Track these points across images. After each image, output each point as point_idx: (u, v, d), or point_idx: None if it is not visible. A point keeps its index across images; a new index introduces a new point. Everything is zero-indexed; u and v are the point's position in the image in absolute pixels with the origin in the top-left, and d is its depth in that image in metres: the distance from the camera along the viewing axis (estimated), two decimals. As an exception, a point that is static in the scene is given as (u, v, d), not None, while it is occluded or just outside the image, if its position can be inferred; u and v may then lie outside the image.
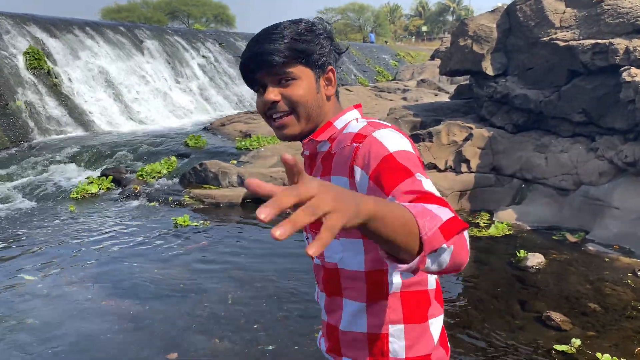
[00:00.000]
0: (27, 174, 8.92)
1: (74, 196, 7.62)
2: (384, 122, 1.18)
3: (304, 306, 4.09)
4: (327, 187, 0.73)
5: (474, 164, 6.61)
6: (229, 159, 8.74)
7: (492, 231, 5.70)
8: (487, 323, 3.76)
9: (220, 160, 8.23)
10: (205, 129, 12.59)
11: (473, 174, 6.57)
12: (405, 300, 1.19)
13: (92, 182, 7.98)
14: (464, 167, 6.62)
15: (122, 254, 5.34)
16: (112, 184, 8.11)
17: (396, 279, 1.18)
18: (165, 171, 8.39)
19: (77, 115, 13.13)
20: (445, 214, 0.87)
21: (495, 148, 6.65)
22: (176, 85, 16.50)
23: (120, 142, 10.77)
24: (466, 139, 6.81)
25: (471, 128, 6.90)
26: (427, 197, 0.93)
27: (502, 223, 5.84)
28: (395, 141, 1.07)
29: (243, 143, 9.93)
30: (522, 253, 4.88)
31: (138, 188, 7.70)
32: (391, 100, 12.93)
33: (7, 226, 6.47)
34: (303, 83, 1.20)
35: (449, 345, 1.33)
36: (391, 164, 1.02)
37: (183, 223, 6.12)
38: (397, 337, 1.18)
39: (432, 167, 6.72)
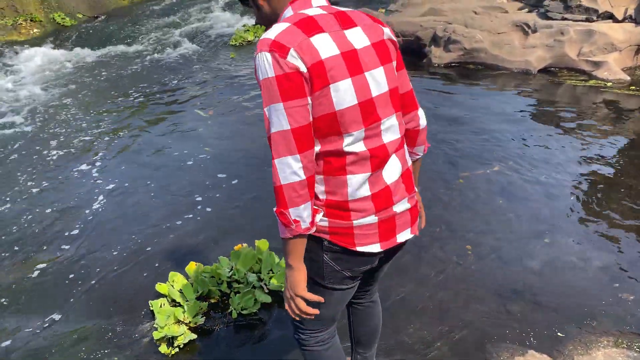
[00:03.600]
0: (190, 22, 9.58)
1: (233, 43, 8.10)
2: (277, 31, 1.33)
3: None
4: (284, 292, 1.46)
5: (660, 13, 5.71)
6: (378, 7, 8.49)
7: (670, 91, 5.08)
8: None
9: (370, 8, 8.04)
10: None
11: (657, 26, 5.71)
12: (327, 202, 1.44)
13: (248, 30, 8.37)
14: (647, 17, 5.76)
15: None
16: (266, 32, 8.41)
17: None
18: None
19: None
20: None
21: (693, -6, 5.62)
22: None
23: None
24: (656, -17, 5.82)
25: (665, -31, 5.83)
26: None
27: (684, 83, 5.15)
28: (261, 70, 1.32)
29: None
30: None
31: (290, 36, 7.91)
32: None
33: (179, 68, 7.20)
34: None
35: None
36: (261, 91, 1.34)
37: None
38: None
39: (607, 16, 5.94)
